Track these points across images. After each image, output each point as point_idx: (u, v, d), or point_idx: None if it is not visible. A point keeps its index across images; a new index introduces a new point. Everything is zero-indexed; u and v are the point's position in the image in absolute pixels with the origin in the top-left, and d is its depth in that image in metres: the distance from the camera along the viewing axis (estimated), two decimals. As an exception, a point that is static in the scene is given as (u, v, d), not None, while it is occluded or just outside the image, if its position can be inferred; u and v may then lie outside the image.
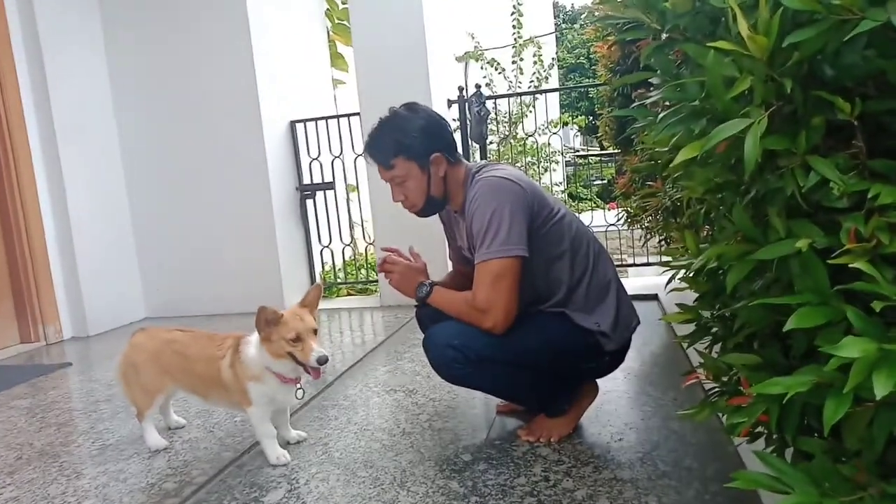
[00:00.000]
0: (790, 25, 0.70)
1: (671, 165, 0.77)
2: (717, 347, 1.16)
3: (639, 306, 1.93)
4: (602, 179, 9.42)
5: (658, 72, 0.90)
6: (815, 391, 0.64)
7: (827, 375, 0.62)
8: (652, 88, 1.05)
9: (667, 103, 0.91)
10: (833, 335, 0.64)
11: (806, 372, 0.66)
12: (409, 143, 1.76)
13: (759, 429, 0.92)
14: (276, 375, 1.77)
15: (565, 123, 6.45)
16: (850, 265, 0.63)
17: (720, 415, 1.06)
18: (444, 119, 1.87)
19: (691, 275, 0.98)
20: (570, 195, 8.35)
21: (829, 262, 0.64)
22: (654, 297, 3.58)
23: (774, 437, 0.91)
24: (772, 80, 0.71)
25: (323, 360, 1.70)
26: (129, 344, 2.01)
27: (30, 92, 3.71)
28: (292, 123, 4.34)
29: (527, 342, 1.73)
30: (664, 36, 0.83)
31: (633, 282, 4.12)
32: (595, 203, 7.68)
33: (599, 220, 4.50)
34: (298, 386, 1.83)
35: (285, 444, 1.94)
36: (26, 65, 3.69)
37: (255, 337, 1.79)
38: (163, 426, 2.12)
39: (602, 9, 0.95)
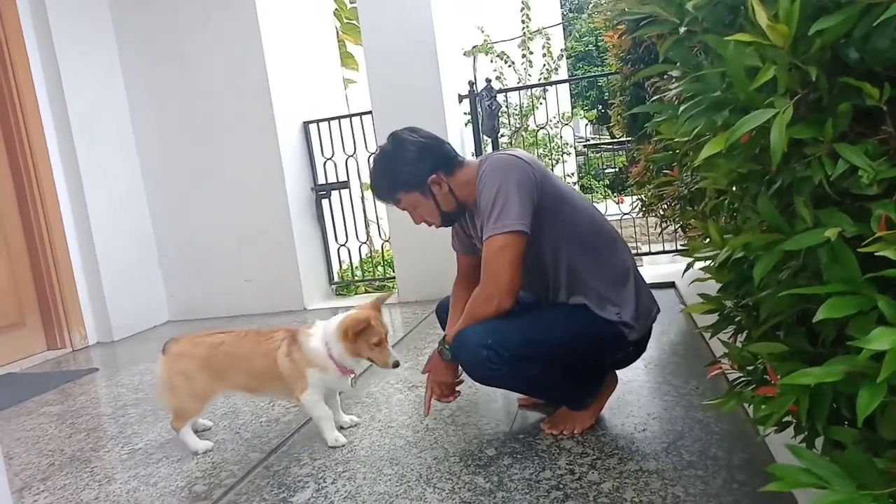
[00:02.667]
0: (813, 10, 0.69)
1: (696, 162, 0.76)
2: (740, 336, 1.15)
3: (655, 295, 1.92)
4: (613, 168, 9.35)
5: (677, 64, 0.89)
6: (848, 380, 0.63)
7: (859, 364, 0.61)
8: (667, 77, 1.04)
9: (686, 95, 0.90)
10: (865, 324, 0.63)
11: (837, 361, 0.65)
12: (404, 178, 1.84)
13: (788, 418, 0.91)
14: (338, 367, 1.89)
15: (574, 114, 6.43)
16: (877, 253, 0.63)
17: (745, 404, 1.06)
18: (431, 138, 1.89)
19: (716, 265, 0.98)
20: (582, 187, 8.29)
21: (860, 250, 0.64)
22: (671, 286, 3.55)
23: (804, 426, 0.90)
24: (796, 68, 0.70)
25: (397, 365, 1.89)
26: (170, 354, 2.01)
27: (47, 101, 3.76)
28: (305, 124, 4.36)
29: (555, 336, 1.73)
30: (682, 29, 0.82)
31: (649, 270, 4.10)
32: (606, 193, 7.63)
33: (613, 209, 4.48)
34: (353, 375, 1.94)
35: (339, 429, 2.01)
36: (42, 73, 3.75)
37: (317, 330, 1.92)
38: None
39: (616, 6, 0.95)
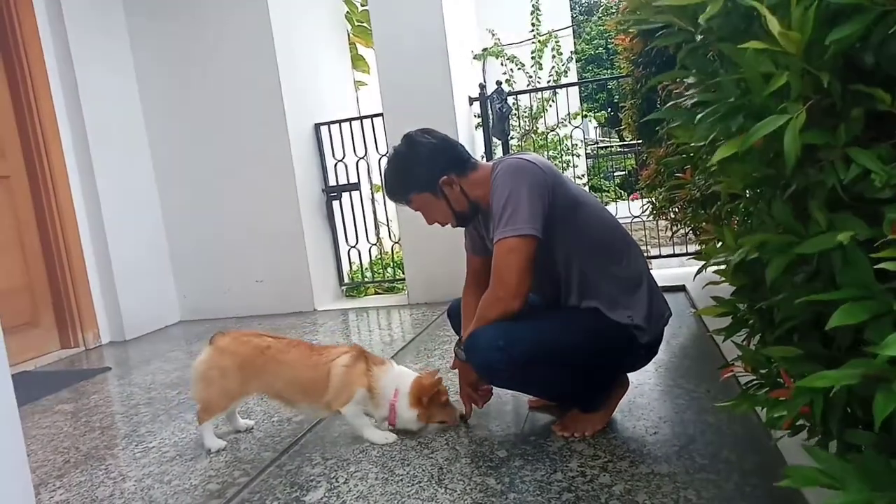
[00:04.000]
0: (828, 15, 0.70)
1: (709, 165, 0.77)
2: (753, 340, 1.15)
3: (666, 298, 1.92)
4: (623, 170, 9.32)
5: (693, 71, 0.89)
6: (864, 384, 0.64)
7: (876, 368, 0.62)
8: (680, 81, 1.04)
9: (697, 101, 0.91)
10: (882, 327, 0.63)
11: (854, 364, 0.66)
12: (415, 178, 1.87)
13: (801, 421, 0.91)
14: (391, 413, 1.92)
15: (584, 116, 6.41)
16: (880, 265, 0.63)
17: (758, 408, 1.06)
18: (444, 140, 1.91)
19: (730, 269, 0.98)
20: (592, 188, 8.28)
21: (872, 256, 0.64)
22: (682, 289, 3.55)
23: (818, 429, 0.90)
24: (808, 74, 0.71)
25: (464, 418, 1.97)
26: (214, 347, 2.01)
27: (63, 102, 3.81)
28: (317, 126, 4.39)
29: (567, 338, 1.73)
30: (698, 38, 0.83)
31: (659, 273, 4.08)
32: (617, 194, 7.59)
33: (623, 211, 4.48)
34: (393, 426, 1.97)
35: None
36: (59, 77, 3.80)
37: (392, 370, 1.95)
38: (223, 431, 2.13)
39: (630, 14, 0.95)
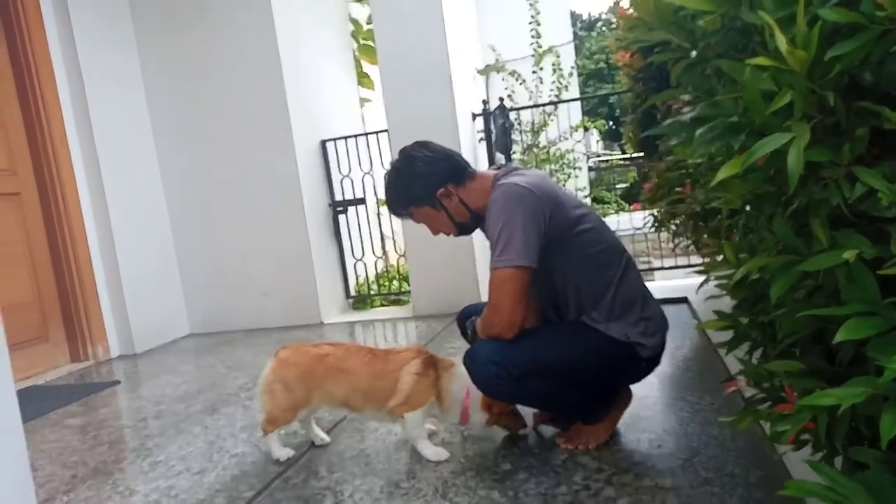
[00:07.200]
0: (829, 34, 0.71)
1: (711, 184, 0.78)
2: (756, 353, 1.16)
3: (668, 310, 1.93)
4: (624, 183, 9.35)
5: (689, 89, 0.91)
6: (870, 402, 0.64)
7: (881, 387, 0.62)
8: (682, 105, 1.05)
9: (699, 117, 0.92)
10: (885, 345, 0.64)
11: (858, 383, 0.66)
12: (413, 193, 1.90)
13: (805, 436, 0.92)
14: (463, 412, 1.89)
15: (585, 128, 6.42)
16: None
17: (762, 422, 1.06)
18: (440, 151, 1.92)
19: (731, 284, 0.99)
20: (594, 199, 8.29)
21: (880, 273, 0.65)
22: (684, 301, 3.55)
23: (823, 444, 0.90)
24: (812, 93, 0.72)
25: (525, 426, 1.96)
26: (276, 360, 2.00)
27: (72, 119, 3.85)
28: (323, 142, 4.43)
29: (565, 355, 1.75)
30: (693, 54, 0.84)
31: (662, 285, 4.09)
32: (619, 205, 7.59)
33: (625, 223, 4.49)
34: (467, 425, 1.97)
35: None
36: (69, 94, 3.84)
37: (462, 371, 1.87)
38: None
39: (625, 32, 0.97)
